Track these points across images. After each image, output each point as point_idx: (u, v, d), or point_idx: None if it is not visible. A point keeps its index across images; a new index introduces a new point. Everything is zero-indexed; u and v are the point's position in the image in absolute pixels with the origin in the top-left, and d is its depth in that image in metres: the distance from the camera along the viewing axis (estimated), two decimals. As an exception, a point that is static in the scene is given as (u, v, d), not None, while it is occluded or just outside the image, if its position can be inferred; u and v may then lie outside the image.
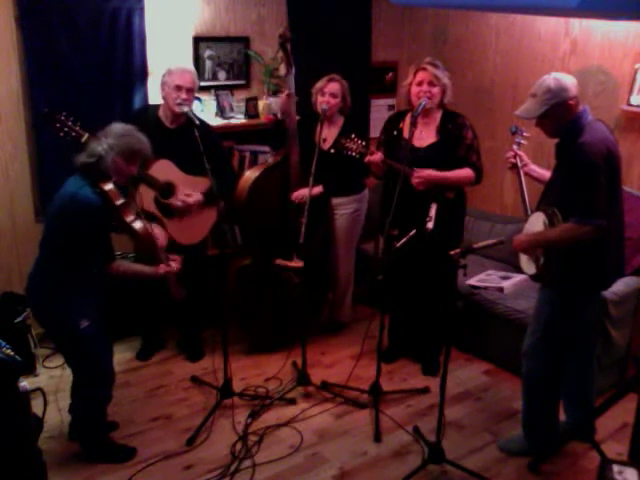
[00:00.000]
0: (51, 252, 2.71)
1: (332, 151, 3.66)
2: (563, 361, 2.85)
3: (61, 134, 3.09)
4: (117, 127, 2.70)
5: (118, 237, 3.08)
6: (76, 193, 2.58)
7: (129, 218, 2.68)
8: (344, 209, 3.92)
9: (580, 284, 2.68)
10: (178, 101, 3.34)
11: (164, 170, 3.39)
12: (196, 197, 3.48)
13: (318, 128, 3.57)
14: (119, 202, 2.65)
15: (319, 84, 3.74)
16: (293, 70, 3.56)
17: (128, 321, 3.94)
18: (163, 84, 3.41)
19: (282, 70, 3.67)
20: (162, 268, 2.86)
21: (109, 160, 2.61)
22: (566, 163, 2.61)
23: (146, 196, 3.37)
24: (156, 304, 3.83)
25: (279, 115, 3.77)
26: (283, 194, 3.75)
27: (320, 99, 3.70)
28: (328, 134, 3.74)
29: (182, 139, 3.36)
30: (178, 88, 3.36)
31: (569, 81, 2.57)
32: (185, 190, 3.47)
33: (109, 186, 2.63)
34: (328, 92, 3.70)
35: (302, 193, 3.60)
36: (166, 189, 3.43)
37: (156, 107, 3.56)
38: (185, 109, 3.30)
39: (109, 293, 3.64)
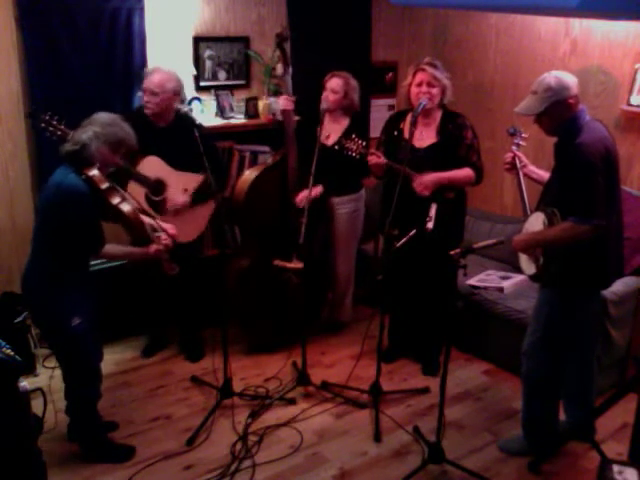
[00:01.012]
0: (43, 246, 2.70)
1: (336, 147, 3.60)
2: (563, 361, 2.85)
3: (47, 134, 3.09)
4: (102, 116, 2.69)
5: (117, 239, 3.09)
6: (62, 182, 2.58)
7: (115, 200, 2.67)
8: (343, 208, 3.92)
9: (579, 284, 2.68)
10: (143, 103, 3.40)
11: (153, 167, 3.40)
12: (183, 199, 3.49)
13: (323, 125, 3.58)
14: (104, 186, 2.65)
15: (325, 79, 3.77)
16: (290, 70, 3.57)
17: (130, 320, 3.95)
18: None
19: (279, 70, 3.68)
20: (153, 247, 2.85)
21: (94, 148, 2.60)
22: (564, 163, 2.62)
23: (137, 194, 3.37)
24: (163, 302, 3.85)
25: (280, 117, 3.77)
26: (282, 194, 3.75)
27: (323, 94, 3.73)
28: (332, 130, 3.74)
29: (171, 137, 3.41)
30: (144, 90, 3.40)
31: (570, 80, 2.57)
32: (175, 186, 3.47)
33: (94, 172, 2.62)
34: (329, 88, 3.73)
35: (304, 195, 3.60)
36: (156, 186, 3.43)
37: (142, 107, 3.57)
38: (183, 110, 3.33)
39: (114, 292, 3.66)
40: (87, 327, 2.76)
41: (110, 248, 2.77)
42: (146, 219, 2.89)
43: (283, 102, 3.66)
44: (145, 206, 3.38)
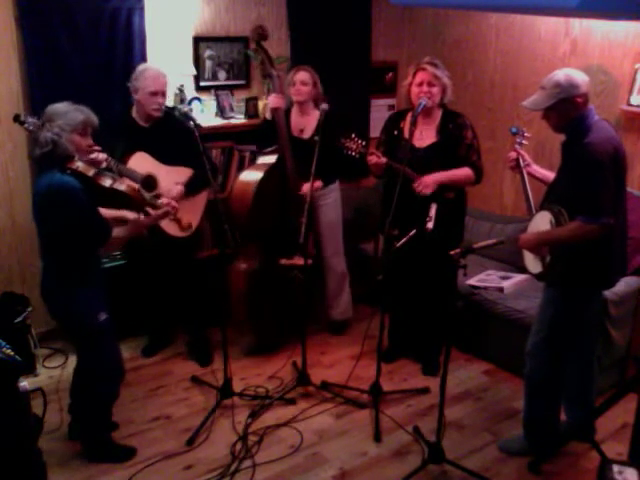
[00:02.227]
0: (53, 251, 2.72)
1: (316, 138, 3.43)
2: (565, 361, 2.85)
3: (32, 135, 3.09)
4: (56, 108, 2.65)
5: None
6: (50, 183, 2.58)
7: (108, 183, 2.68)
8: (325, 200, 3.93)
9: (585, 283, 2.69)
10: (155, 107, 3.38)
11: (142, 163, 3.38)
12: (177, 190, 3.46)
13: (292, 119, 3.65)
14: (92, 173, 2.65)
15: (289, 76, 3.79)
16: (274, 69, 3.60)
17: (130, 320, 3.94)
18: (137, 88, 3.38)
19: (261, 70, 3.70)
20: (160, 210, 2.92)
21: (65, 141, 2.58)
22: (573, 162, 2.61)
23: None
24: (164, 302, 3.86)
25: (268, 115, 3.77)
26: (281, 195, 3.74)
27: (292, 89, 3.76)
28: (305, 124, 3.76)
29: (158, 136, 3.42)
30: (154, 94, 3.37)
31: (580, 78, 2.57)
32: (166, 180, 3.46)
33: (77, 163, 2.62)
34: (298, 81, 3.74)
35: (308, 187, 3.61)
36: (147, 181, 3.43)
37: (128, 107, 3.57)
38: (183, 110, 3.34)
39: (113, 292, 3.66)
40: (111, 322, 2.81)
41: (116, 231, 2.76)
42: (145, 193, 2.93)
43: (273, 100, 3.67)
44: None
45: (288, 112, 3.85)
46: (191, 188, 3.51)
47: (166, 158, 3.44)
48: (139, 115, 3.48)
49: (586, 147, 2.51)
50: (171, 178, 3.47)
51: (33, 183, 3.76)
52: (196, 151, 3.16)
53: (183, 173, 3.50)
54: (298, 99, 3.76)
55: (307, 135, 3.75)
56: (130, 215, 2.88)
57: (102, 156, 2.89)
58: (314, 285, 4.09)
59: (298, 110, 3.84)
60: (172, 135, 3.42)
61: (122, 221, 2.89)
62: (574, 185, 2.55)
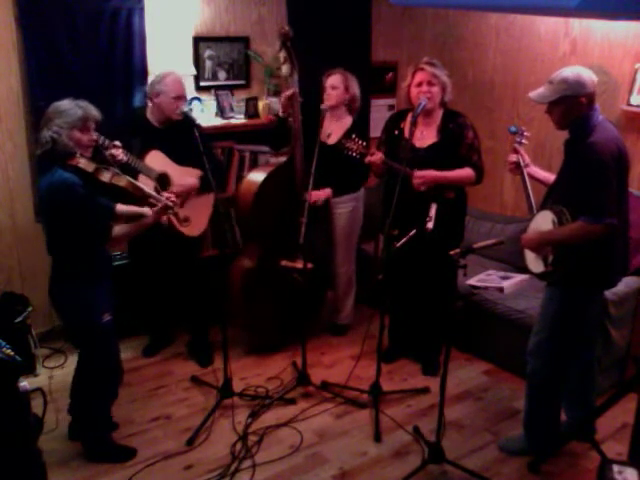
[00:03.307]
0: (59, 249, 2.74)
1: (339, 145, 3.54)
2: (566, 361, 2.84)
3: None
4: (55, 107, 2.66)
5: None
6: (51, 181, 2.60)
7: (107, 178, 2.68)
8: (341, 208, 3.91)
9: (586, 283, 2.69)
10: (178, 111, 3.39)
11: (157, 161, 3.40)
12: (192, 180, 3.48)
13: (325, 124, 3.60)
14: (91, 169, 2.66)
15: (323, 79, 3.78)
16: (297, 69, 3.57)
17: (131, 320, 3.94)
18: (158, 92, 3.39)
19: (284, 70, 3.66)
20: (160, 206, 2.87)
21: (65, 137, 2.60)
22: (576, 161, 2.61)
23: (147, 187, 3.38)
24: (165, 302, 3.86)
25: (280, 114, 3.76)
26: (288, 195, 3.74)
27: (325, 95, 3.75)
28: (333, 129, 3.75)
29: (171, 136, 3.42)
30: (178, 99, 3.40)
31: (588, 78, 2.56)
32: (178, 179, 3.47)
33: (77, 159, 2.63)
34: (329, 85, 3.74)
35: (317, 195, 3.63)
36: (162, 179, 3.43)
37: (142, 108, 3.59)
38: (184, 110, 3.35)
39: (114, 292, 3.67)
40: (113, 322, 2.82)
41: (119, 229, 2.77)
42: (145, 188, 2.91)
43: (288, 98, 3.60)
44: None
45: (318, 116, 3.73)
46: (205, 183, 3.48)
47: (178, 159, 3.45)
48: (154, 117, 3.48)
49: (590, 147, 2.51)
50: (182, 178, 3.48)
51: (33, 183, 3.77)
52: (205, 152, 3.16)
53: (194, 173, 3.49)
54: (328, 104, 3.69)
55: (332, 141, 3.73)
56: (147, 211, 2.86)
57: (121, 153, 2.95)
58: (321, 287, 4.10)
59: (330, 115, 3.77)
60: (185, 136, 3.40)
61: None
62: (577, 185, 2.55)
